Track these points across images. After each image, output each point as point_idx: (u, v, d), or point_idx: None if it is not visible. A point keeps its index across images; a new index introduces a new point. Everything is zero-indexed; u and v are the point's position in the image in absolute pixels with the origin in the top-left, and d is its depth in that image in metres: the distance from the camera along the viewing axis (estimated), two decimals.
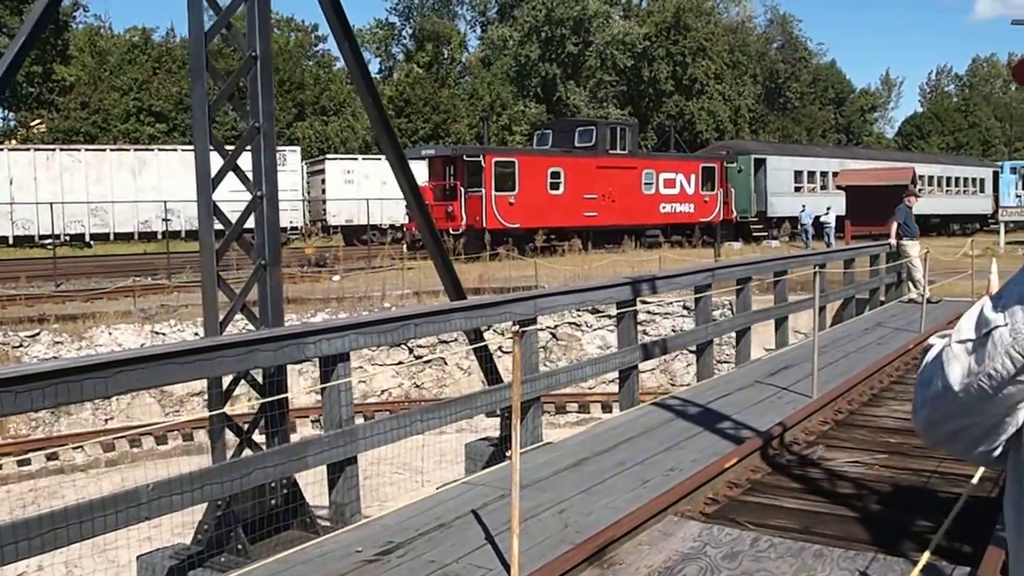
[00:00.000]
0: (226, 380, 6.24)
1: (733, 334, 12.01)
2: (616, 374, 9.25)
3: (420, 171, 33.39)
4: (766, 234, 38.61)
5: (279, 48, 52.55)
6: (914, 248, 15.80)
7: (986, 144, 78.45)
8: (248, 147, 6.74)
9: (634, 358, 8.95)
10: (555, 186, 31.13)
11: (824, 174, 41.60)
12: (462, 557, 4.77)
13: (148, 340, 15.30)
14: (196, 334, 15.57)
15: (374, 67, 65.35)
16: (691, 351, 12.71)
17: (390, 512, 5.76)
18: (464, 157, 29.80)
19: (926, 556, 3.77)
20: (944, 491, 5.66)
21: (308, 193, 38.51)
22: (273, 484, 5.90)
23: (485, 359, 8.52)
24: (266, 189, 6.73)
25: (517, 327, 6.23)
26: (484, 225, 28.43)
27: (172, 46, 50.81)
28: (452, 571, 4.59)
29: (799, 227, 36.37)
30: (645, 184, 34.09)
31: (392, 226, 35.49)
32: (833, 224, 34.53)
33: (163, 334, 15.60)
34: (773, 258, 15.87)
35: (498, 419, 9.10)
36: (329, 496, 6.00)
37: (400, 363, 16.52)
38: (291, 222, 33.94)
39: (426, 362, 16.63)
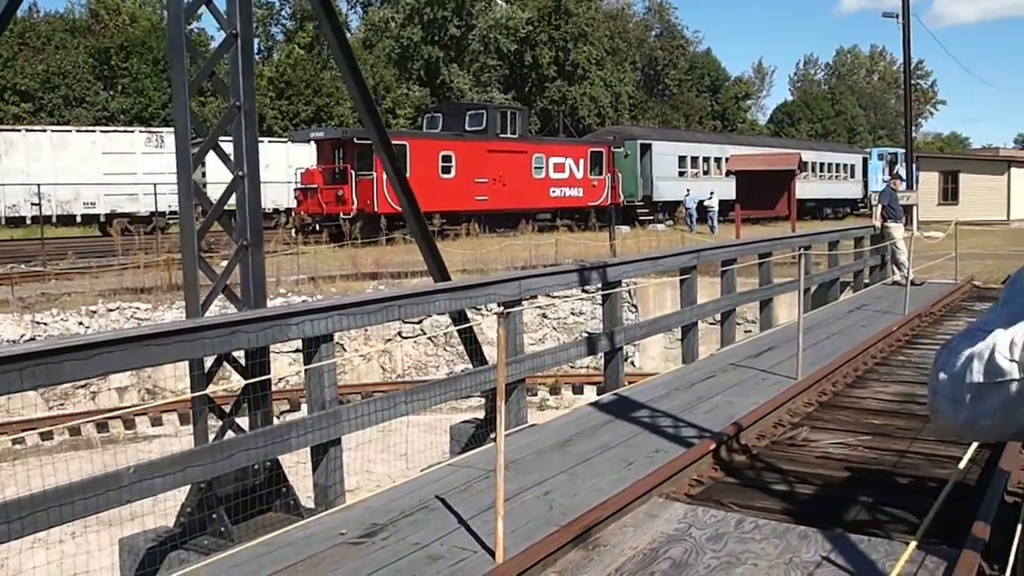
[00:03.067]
0: (208, 362, 6.19)
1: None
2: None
3: (308, 154, 32.87)
4: (652, 218, 39.33)
5: (152, 26, 50.58)
6: (898, 230, 15.84)
7: (851, 131, 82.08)
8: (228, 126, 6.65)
9: (619, 340, 8.94)
10: (446, 170, 31.04)
11: (707, 159, 43.05)
12: (447, 539, 4.75)
13: (29, 331, 14.80)
14: (81, 324, 15.14)
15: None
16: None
17: (374, 494, 5.74)
18: (355, 140, 29.27)
19: (915, 541, 3.76)
20: (928, 473, 5.68)
21: None
22: (256, 466, 5.86)
23: (470, 341, 8.49)
24: (247, 169, 6.65)
25: (502, 308, 6.19)
26: (376, 209, 28.17)
27: (36, 22, 48.92)
28: (437, 553, 4.56)
29: (684, 211, 37.66)
30: (535, 168, 34.37)
31: (276, 210, 34.55)
32: (716, 208, 35.96)
33: (45, 324, 15.08)
34: (757, 240, 15.88)
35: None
36: (313, 478, 5.97)
37: (298, 351, 16.19)
38: (169, 206, 31.72)
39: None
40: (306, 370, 5.88)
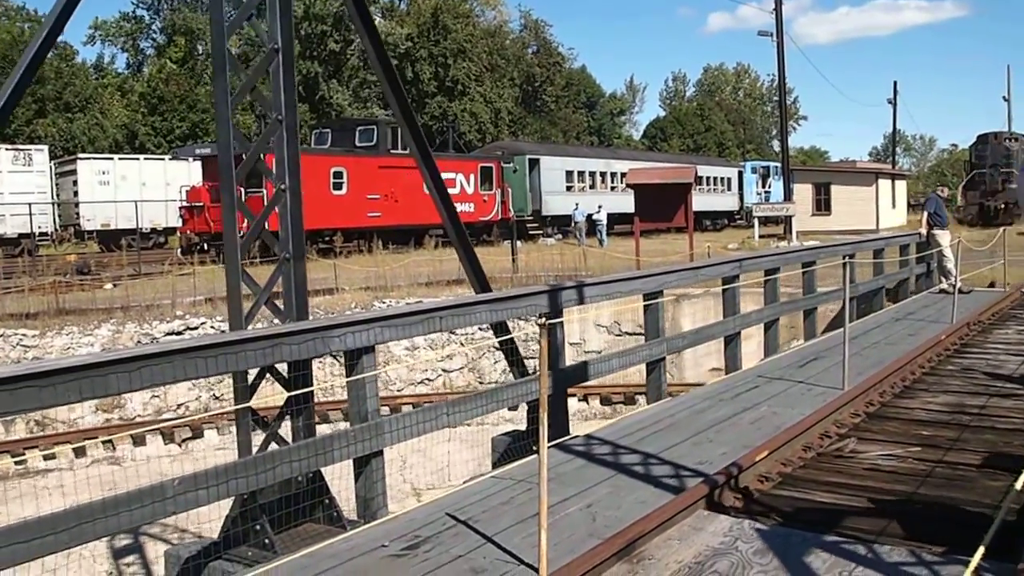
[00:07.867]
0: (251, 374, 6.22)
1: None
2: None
3: (186, 171, 32.11)
4: (542, 232, 39.48)
5: (13, 38, 49.31)
6: (944, 238, 15.58)
7: (721, 146, 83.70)
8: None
9: (661, 351, 8.87)
10: (338, 186, 30.72)
11: (592, 174, 43.69)
12: (489, 551, 4.72)
13: None
14: None
15: (120, 62, 62.50)
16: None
17: (416, 507, 5.73)
18: (243, 156, 29.11)
19: (977, 557, 3.65)
20: (982, 485, 5.54)
21: (57, 196, 35.19)
22: (299, 478, 5.88)
23: (511, 352, 8.46)
24: (289, 182, 6.71)
25: (543, 320, 6.16)
26: (266, 226, 27.91)
27: None
28: (479, 566, 4.54)
29: (573, 225, 37.98)
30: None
31: (154, 230, 33.57)
32: (605, 221, 36.46)
33: None
34: (799, 249, 15.73)
35: None
36: (355, 490, 5.97)
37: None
38: (39, 227, 31.13)
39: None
40: (348, 382, 5.89)
